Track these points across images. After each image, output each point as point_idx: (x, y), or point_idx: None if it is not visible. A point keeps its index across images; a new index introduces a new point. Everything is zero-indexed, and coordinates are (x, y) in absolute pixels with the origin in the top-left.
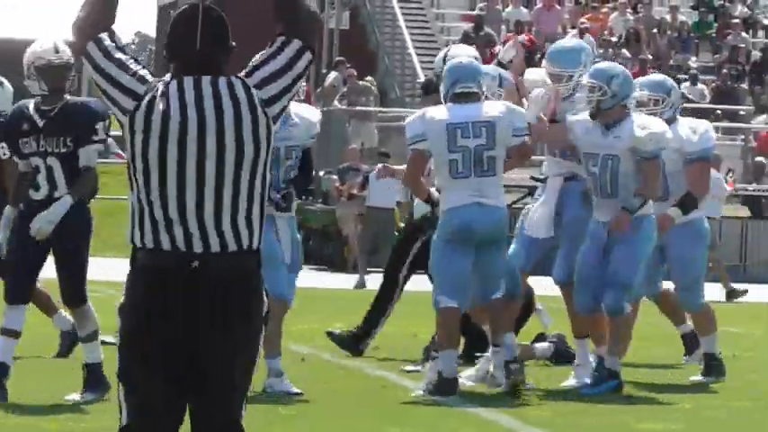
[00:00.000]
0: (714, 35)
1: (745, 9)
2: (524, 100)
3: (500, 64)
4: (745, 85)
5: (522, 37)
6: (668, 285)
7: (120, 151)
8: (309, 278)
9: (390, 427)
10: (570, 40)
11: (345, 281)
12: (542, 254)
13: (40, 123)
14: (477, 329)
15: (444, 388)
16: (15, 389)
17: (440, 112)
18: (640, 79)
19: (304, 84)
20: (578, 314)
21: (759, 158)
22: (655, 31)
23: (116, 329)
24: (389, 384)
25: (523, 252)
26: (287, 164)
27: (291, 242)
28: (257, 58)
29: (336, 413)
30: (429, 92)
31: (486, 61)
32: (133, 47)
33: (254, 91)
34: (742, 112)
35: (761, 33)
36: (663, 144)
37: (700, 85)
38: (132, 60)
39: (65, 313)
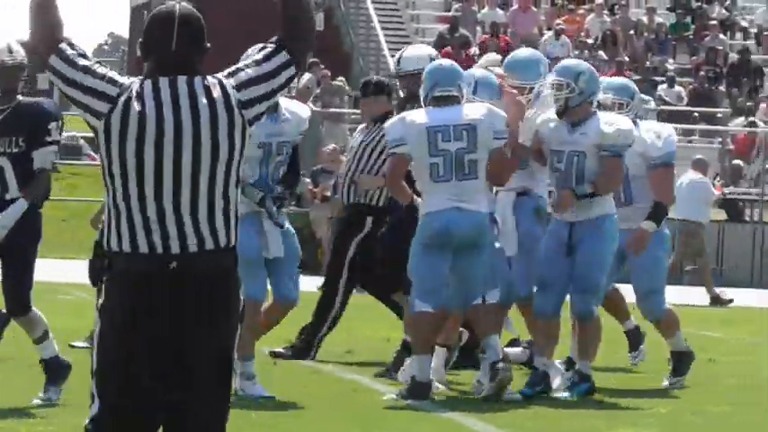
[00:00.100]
0: (691, 37)
1: (723, 11)
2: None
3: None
4: (722, 88)
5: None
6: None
7: (92, 153)
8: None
9: (362, 429)
10: (527, 51)
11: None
12: None
13: None
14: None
15: (417, 392)
16: None
17: (420, 116)
18: (604, 82)
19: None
20: (537, 319)
21: (736, 161)
22: (632, 32)
23: (87, 334)
24: (361, 388)
25: None
26: (277, 159)
27: (283, 237)
28: (243, 61)
29: (308, 417)
30: (367, 93)
31: (461, 62)
32: (106, 48)
33: (231, 91)
34: (719, 115)
35: (738, 35)
36: (629, 141)
37: (677, 88)
38: (97, 64)
39: None
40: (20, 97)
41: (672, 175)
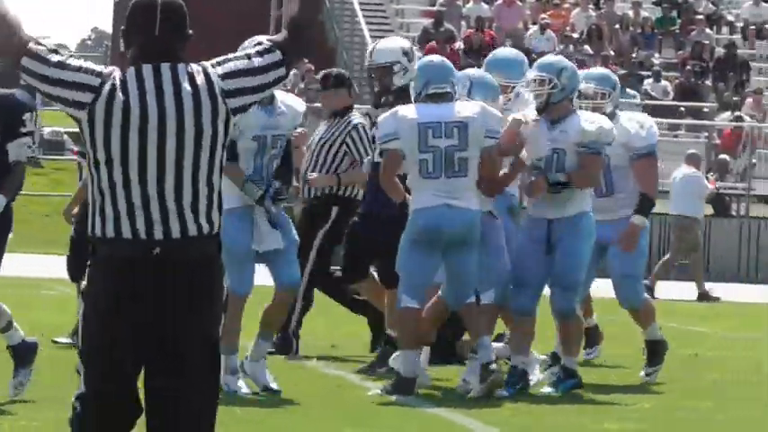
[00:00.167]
0: (677, 31)
1: (709, 5)
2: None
3: None
4: (708, 82)
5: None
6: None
7: (75, 147)
8: (267, 275)
9: (347, 427)
10: (511, 51)
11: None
12: None
13: None
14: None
15: (402, 387)
16: None
17: (412, 111)
18: (585, 72)
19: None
20: (514, 316)
21: (723, 156)
22: (617, 26)
23: (70, 329)
24: (346, 384)
25: None
26: (272, 152)
27: (277, 228)
28: (236, 53)
29: (294, 413)
30: (327, 86)
31: (446, 57)
32: (89, 43)
33: (215, 79)
34: (705, 110)
35: (725, 29)
36: (609, 139)
37: (663, 82)
38: (70, 57)
39: None
40: None
41: (655, 166)
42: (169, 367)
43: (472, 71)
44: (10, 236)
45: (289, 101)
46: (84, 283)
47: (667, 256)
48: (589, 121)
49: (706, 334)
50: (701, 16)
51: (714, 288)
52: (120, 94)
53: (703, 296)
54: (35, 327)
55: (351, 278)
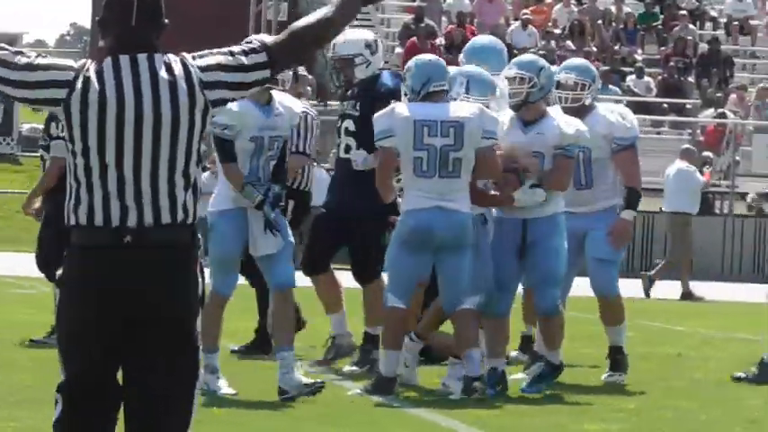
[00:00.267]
0: (660, 27)
1: (693, 0)
2: None
3: None
4: (691, 78)
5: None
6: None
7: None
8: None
9: (329, 427)
10: (490, 39)
11: None
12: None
13: None
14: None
15: (382, 387)
16: None
17: (408, 109)
18: (564, 63)
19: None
20: (491, 318)
21: (706, 153)
22: (600, 22)
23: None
24: (327, 384)
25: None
26: (268, 154)
27: (274, 232)
28: (221, 49)
29: (273, 413)
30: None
31: (427, 52)
32: (68, 38)
33: (193, 69)
34: (689, 106)
35: (708, 25)
36: (585, 142)
37: (645, 78)
38: (37, 57)
39: None
40: None
41: (637, 158)
42: (140, 352)
43: (468, 68)
44: None
45: (286, 102)
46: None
47: (665, 260)
48: (566, 123)
49: (689, 333)
50: (683, 12)
51: (698, 286)
52: (95, 85)
53: (687, 295)
54: (12, 326)
55: (311, 272)
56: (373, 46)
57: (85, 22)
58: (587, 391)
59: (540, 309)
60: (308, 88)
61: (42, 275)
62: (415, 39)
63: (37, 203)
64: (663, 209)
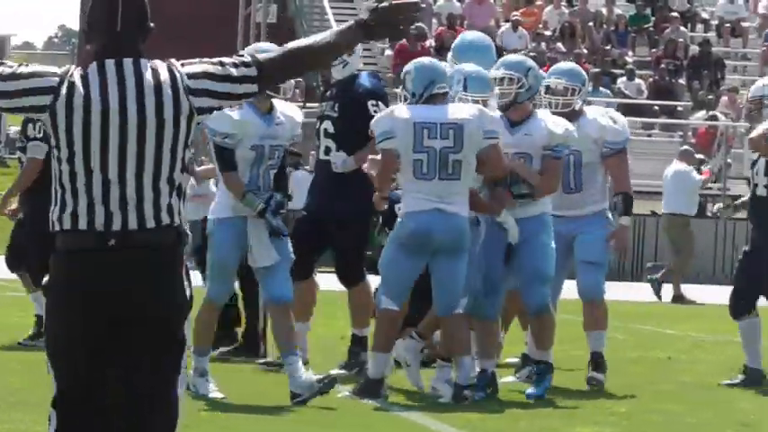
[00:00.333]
0: (651, 29)
1: (684, 2)
2: None
3: None
4: (682, 81)
5: None
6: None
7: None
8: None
9: (317, 428)
10: (478, 35)
11: None
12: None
13: None
14: None
15: (370, 390)
16: None
17: (408, 111)
18: (554, 67)
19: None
20: (481, 321)
21: (698, 156)
22: (591, 24)
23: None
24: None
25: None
26: (269, 163)
27: (270, 241)
28: (211, 59)
29: (260, 416)
30: None
31: (417, 54)
32: (56, 41)
33: (179, 76)
34: (680, 108)
35: (699, 27)
36: (572, 142)
37: (636, 80)
38: (19, 66)
39: None
40: None
41: (627, 161)
42: (125, 351)
43: (467, 66)
44: None
45: (288, 111)
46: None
47: (671, 262)
48: (554, 123)
49: (677, 336)
50: (675, 14)
51: (690, 289)
52: (80, 90)
53: (678, 298)
54: (1, 328)
55: (294, 278)
56: None
57: (74, 24)
58: (578, 394)
59: (531, 307)
60: (296, 90)
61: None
62: (404, 41)
63: (13, 204)
64: (661, 211)
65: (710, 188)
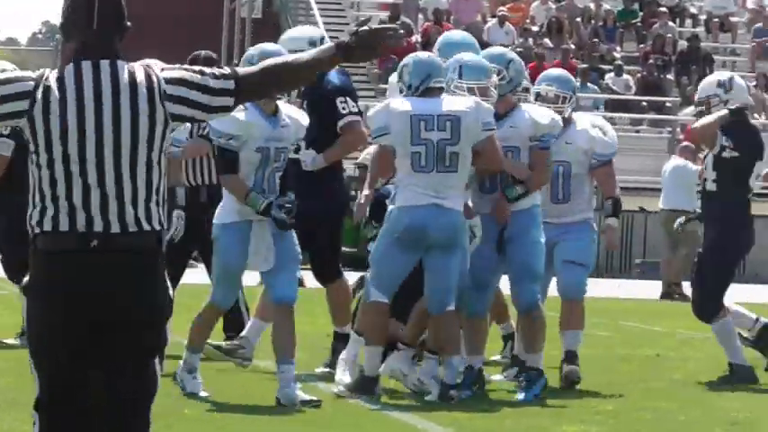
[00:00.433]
0: (640, 24)
1: None
2: None
3: None
4: (671, 76)
5: None
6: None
7: None
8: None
9: (302, 428)
10: (461, 34)
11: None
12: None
13: None
14: None
15: (365, 386)
16: None
17: (404, 104)
18: (543, 74)
19: None
20: (471, 318)
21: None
22: (578, 19)
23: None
24: (301, 385)
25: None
26: (274, 165)
27: (269, 247)
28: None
29: (245, 414)
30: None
31: (403, 51)
32: (40, 36)
33: (156, 79)
34: (668, 104)
35: (688, 22)
36: (558, 131)
37: (624, 76)
38: None
39: None
40: None
41: (613, 169)
42: (109, 356)
43: (463, 55)
44: None
45: (293, 114)
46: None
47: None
48: (539, 113)
49: (666, 333)
50: (663, 9)
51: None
52: (56, 94)
53: (667, 295)
54: None
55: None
56: (318, 43)
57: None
58: (566, 392)
59: (521, 305)
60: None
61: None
62: None
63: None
64: (658, 207)
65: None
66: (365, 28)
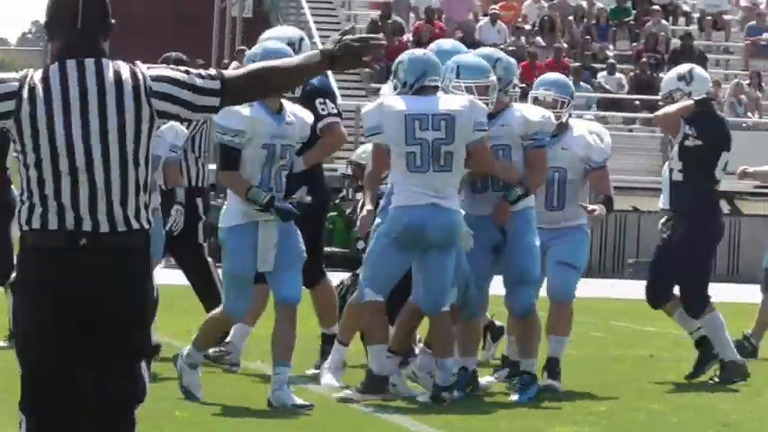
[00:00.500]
0: (632, 22)
1: None
2: None
3: None
4: (664, 75)
5: None
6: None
7: None
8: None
9: (296, 430)
10: (454, 44)
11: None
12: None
13: None
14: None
15: (376, 386)
16: None
17: (398, 103)
18: (541, 78)
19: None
20: (465, 319)
21: None
22: (570, 18)
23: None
24: (294, 389)
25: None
26: (280, 163)
27: (275, 247)
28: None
29: (235, 416)
30: None
31: (394, 49)
32: (29, 36)
33: (142, 77)
34: (661, 103)
35: (681, 20)
36: (551, 129)
37: (617, 75)
38: None
39: None
40: None
41: (608, 172)
42: (98, 356)
43: (462, 55)
44: None
45: (298, 112)
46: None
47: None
48: (530, 111)
49: (661, 334)
50: (656, 7)
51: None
52: (41, 94)
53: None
54: None
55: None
56: (297, 45)
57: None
58: (558, 393)
59: (516, 309)
60: None
61: None
62: (381, 35)
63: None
64: (660, 206)
65: None
66: (349, 36)
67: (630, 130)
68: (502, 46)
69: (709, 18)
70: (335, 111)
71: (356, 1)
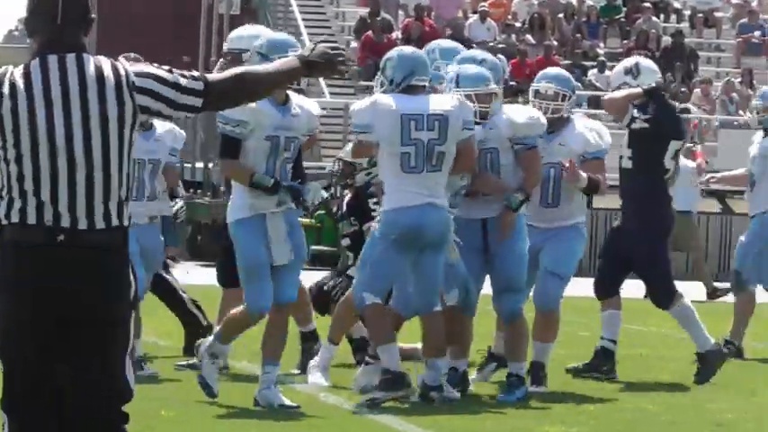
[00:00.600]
0: (623, 19)
1: None
2: None
3: None
4: None
5: None
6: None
7: None
8: (200, 275)
9: (283, 429)
10: (449, 42)
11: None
12: None
13: None
14: None
15: (397, 382)
16: None
17: (393, 102)
18: (542, 72)
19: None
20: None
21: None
22: (561, 15)
23: None
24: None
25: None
26: (284, 155)
27: (288, 239)
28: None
29: (221, 416)
30: None
31: (383, 46)
32: (16, 34)
33: (124, 72)
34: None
35: (672, 18)
36: (541, 130)
37: (608, 73)
38: None
39: None
40: None
41: (604, 168)
42: (75, 352)
43: (463, 65)
44: None
45: (305, 104)
46: None
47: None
48: (516, 112)
49: (650, 333)
50: (647, 4)
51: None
52: (22, 90)
53: (713, 294)
54: None
55: (226, 283)
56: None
57: None
58: (548, 393)
59: (503, 313)
60: None
61: None
62: (370, 33)
63: None
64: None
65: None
66: (322, 44)
67: (620, 128)
68: (491, 43)
69: (701, 15)
70: None
71: None
